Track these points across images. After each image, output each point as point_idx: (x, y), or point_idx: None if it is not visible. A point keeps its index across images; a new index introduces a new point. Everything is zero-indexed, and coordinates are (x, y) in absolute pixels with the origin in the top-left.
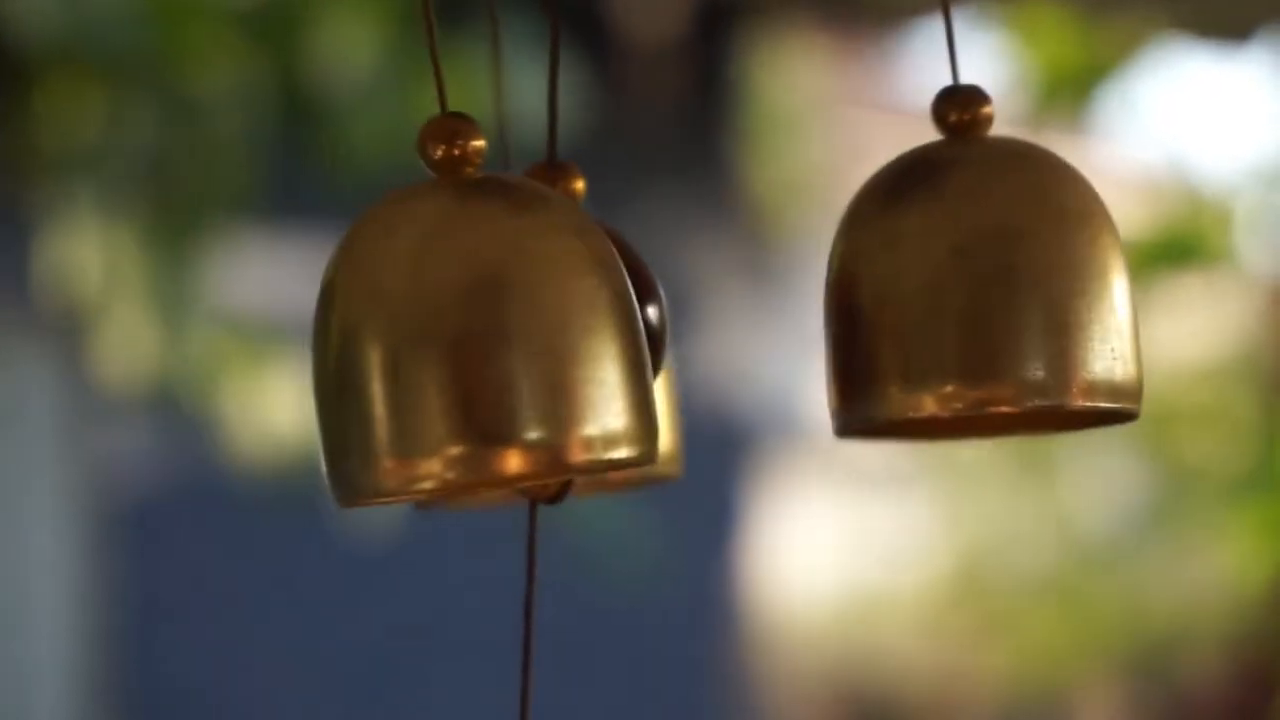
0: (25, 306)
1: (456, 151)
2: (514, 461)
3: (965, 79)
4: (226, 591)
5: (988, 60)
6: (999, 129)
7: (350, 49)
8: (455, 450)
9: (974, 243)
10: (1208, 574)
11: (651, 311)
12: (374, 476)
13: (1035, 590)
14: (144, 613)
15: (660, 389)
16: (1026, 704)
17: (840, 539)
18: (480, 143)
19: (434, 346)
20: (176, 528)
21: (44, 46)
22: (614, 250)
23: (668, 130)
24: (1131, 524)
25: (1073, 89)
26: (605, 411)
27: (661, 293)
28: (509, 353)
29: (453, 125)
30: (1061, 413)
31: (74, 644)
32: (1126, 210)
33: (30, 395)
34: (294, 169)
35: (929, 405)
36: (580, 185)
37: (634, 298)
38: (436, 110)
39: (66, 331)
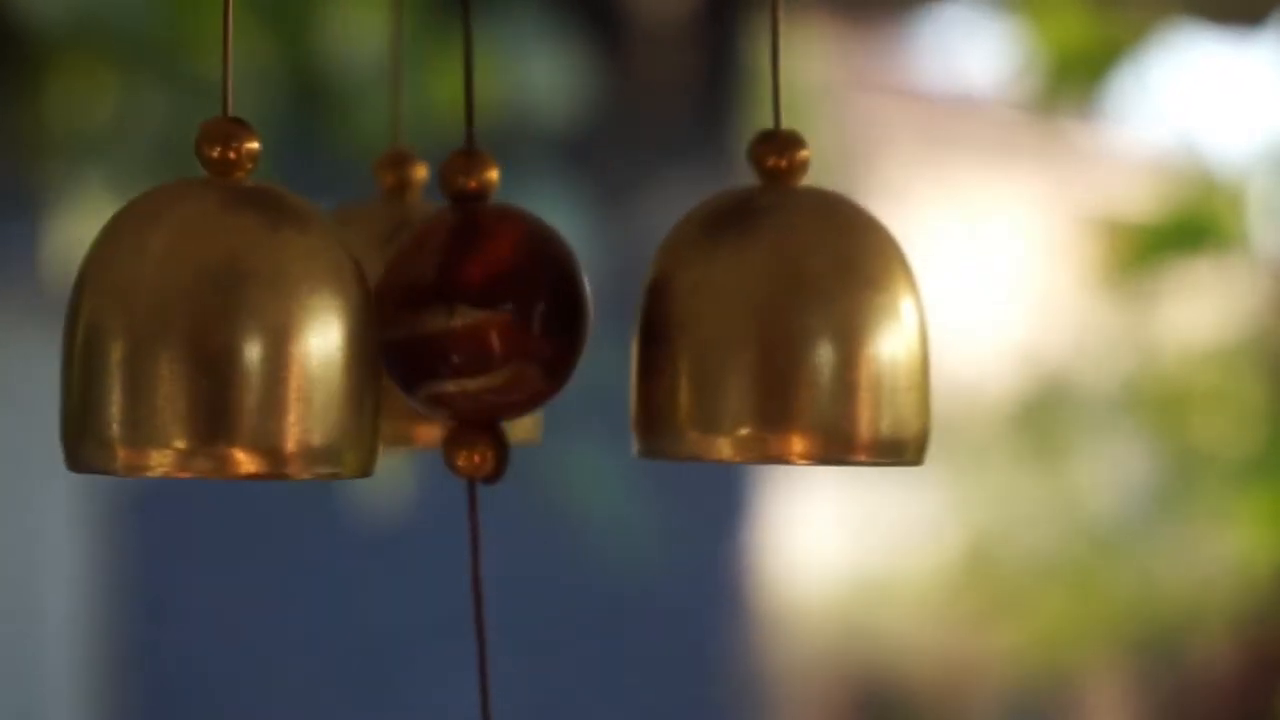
0: (34, 289)
1: (231, 154)
2: (236, 462)
3: (979, 61)
4: (236, 575)
5: (1000, 44)
6: (1011, 114)
7: (361, 33)
8: (180, 444)
9: (775, 298)
10: (1216, 557)
11: (571, 293)
12: (106, 458)
13: (1043, 573)
14: (153, 596)
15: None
16: (1034, 686)
17: (847, 522)
18: (255, 145)
19: (164, 345)
20: (186, 511)
21: (54, 27)
22: (358, 273)
23: (677, 113)
24: (1140, 507)
25: (1085, 72)
26: (313, 428)
27: (576, 277)
28: (230, 358)
29: (228, 128)
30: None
31: (83, 628)
32: (1138, 194)
33: (38, 378)
34: (304, 153)
35: (725, 451)
36: (494, 175)
37: (367, 316)
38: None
39: None
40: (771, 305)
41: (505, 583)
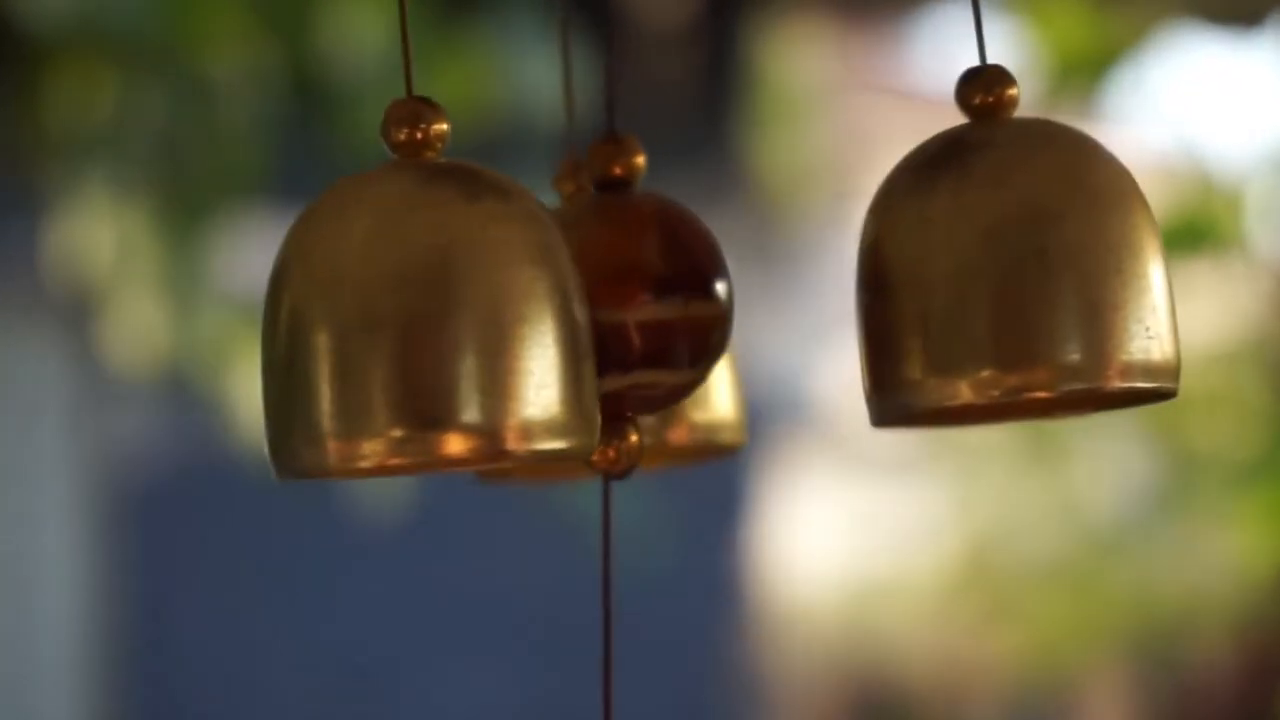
0: (35, 289)
1: (419, 135)
2: (451, 446)
3: (977, 61)
4: (236, 574)
5: (1000, 44)
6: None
7: (362, 33)
8: (396, 432)
9: (1004, 225)
10: (1216, 559)
11: (719, 288)
12: (317, 455)
13: (1043, 575)
14: (153, 595)
15: (724, 364)
16: (1034, 689)
17: (848, 523)
18: (443, 126)
19: (376, 330)
20: (186, 510)
21: (55, 28)
22: (562, 242)
23: (677, 114)
24: (1140, 509)
25: (1085, 73)
26: (534, 401)
27: (727, 273)
28: (445, 338)
29: (416, 109)
30: (1099, 394)
31: (83, 626)
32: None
33: (40, 378)
34: (305, 152)
35: (965, 393)
36: (640, 160)
37: (579, 290)
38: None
39: (76, 315)
40: (1000, 232)
41: (506, 583)
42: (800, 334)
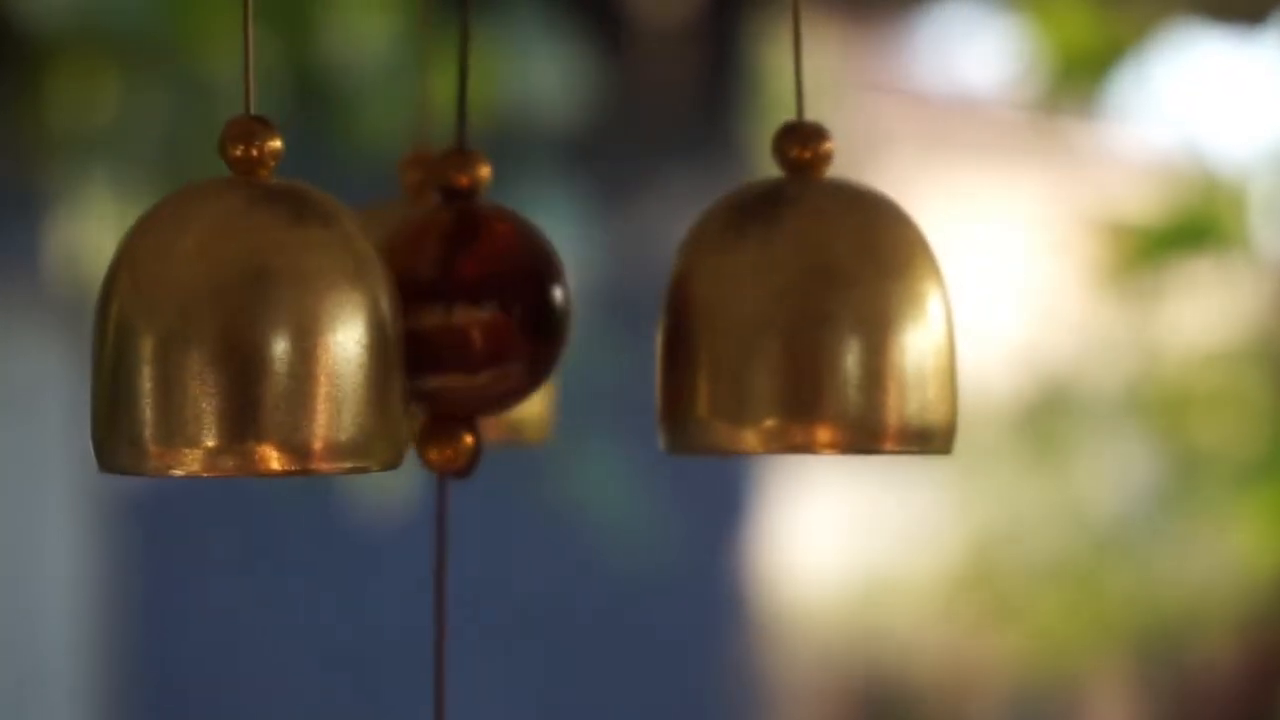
0: (36, 289)
1: (255, 153)
2: (261, 461)
3: (981, 61)
4: (236, 573)
5: (1004, 45)
6: (1013, 114)
7: (363, 33)
8: (209, 443)
9: (799, 284)
10: (1219, 559)
11: (557, 293)
12: (136, 457)
13: (1046, 575)
14: (153, 594)
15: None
16: (1037, 688)
17: (851, 523)
18: (277, 144)
19: (193, 343)
20: (186, 510)
21: (57, 26)
22: (378, 265)
23: (680, 112)
24: (1143, 508)
25: (1088, 72)
26: (340, 425)
27: (558, 277)
28: (258, 355)
29: (251, 126)
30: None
31: (83, 628)
32: (1140, 194)
33: (40, 378)
34: (305, 153)
35: (750, 441)
36: (485, 173)
37: (392, 310)
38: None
39: (77, 315)
40: (797, 293)
41: (509, 582)
42: None
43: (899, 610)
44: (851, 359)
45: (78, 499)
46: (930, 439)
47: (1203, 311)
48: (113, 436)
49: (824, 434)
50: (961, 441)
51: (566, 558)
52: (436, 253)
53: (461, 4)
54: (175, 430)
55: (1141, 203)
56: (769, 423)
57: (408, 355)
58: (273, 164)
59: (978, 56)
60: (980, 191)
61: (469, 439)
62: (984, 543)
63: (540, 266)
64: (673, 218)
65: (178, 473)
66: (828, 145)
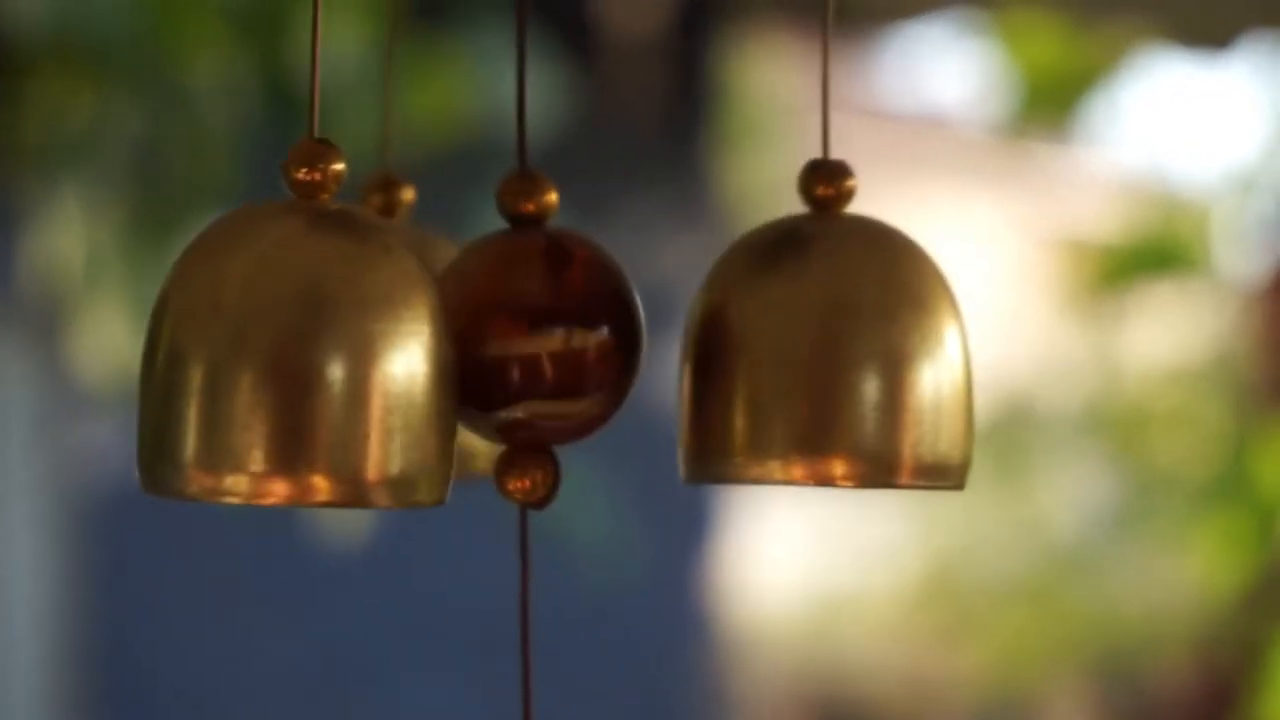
0: (6, 300)
1: (318, 176)
2: (314, 489)
3: (949, 82)
4: (203, 587)
5: (972, 66)
6: (980, 136)
7: (338, 43)
8: (257, 469)
9: (826, 323)
10: (1177, 579)
11: (617, 320)
12: (181, 481)
13: (1005, 593)
14: (120, 608)
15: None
16: (995, 705)
17: (813, 540)
18: (340, 167)
19: (245, 367)
20: (154, 523)
21: (31, 36)
22: (434, 294)
23: (646, 130)
24: (1102, 528)
25: (1055, 94)
26: (399, 452)
27: (631, 304)
28: (311, 381)
29: (316, 149)
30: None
31: (49, 635)
32: (1104, 216)
33: (8, 389)
34: (280, 163)
35: (775, 473)
36: (553, 198)
37: (444, 339)
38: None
39: (46, 326)
40: (824, 330)
41: (475, 598)
42: None
43: (860, 627)
44: (873, 397)
45: (44, 511)
46: (946, 475)
47: (1164, 333)
48: (158, 458)
49: (842, 467)
50: None
51: (533, 573)
52: (545, 279)
53: (519, 31)
54: (221, 455)
55: (1105, 224)
56: (795, 457)
57: (496, 384)
58: (334, 188)
59: (946, 77)
60: (945, 211)
61: (549, 469)
62: (944, 561)
63: (625, 292)
64: (638, 234)
65: (223, 499)
66: (850, 182)
